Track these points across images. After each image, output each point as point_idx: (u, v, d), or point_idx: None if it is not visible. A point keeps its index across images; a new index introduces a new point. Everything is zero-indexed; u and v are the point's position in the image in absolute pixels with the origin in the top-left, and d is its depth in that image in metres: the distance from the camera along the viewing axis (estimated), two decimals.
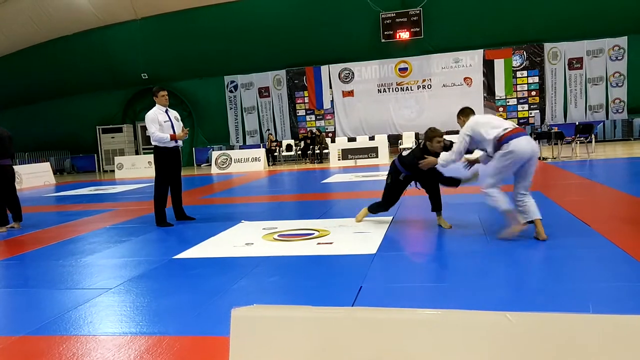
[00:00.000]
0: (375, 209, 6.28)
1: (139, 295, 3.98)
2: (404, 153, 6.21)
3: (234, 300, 3.68)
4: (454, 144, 5.37)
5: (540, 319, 1.27)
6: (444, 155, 5.49)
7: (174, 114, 7.24)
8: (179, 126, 7.17)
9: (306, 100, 21.67)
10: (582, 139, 14.18)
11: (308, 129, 21.35)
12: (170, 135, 7.00)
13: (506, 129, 4.97)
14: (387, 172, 6.26)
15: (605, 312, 1.32)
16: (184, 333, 3.14)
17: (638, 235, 4.95)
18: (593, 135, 14.55)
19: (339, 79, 21.14)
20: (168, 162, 7.09)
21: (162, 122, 7.00)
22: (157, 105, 7.13)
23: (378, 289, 3.81)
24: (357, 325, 1.37)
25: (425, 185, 6.02)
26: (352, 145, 17.95)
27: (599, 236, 4.84)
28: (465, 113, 5.36)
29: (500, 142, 4.95)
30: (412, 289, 3.87)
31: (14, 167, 7.94)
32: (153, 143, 7.08)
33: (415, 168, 5.70)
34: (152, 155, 7.22)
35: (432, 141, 5.64)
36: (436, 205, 5.99)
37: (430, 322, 1.33)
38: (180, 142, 7.24)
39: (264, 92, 21.96)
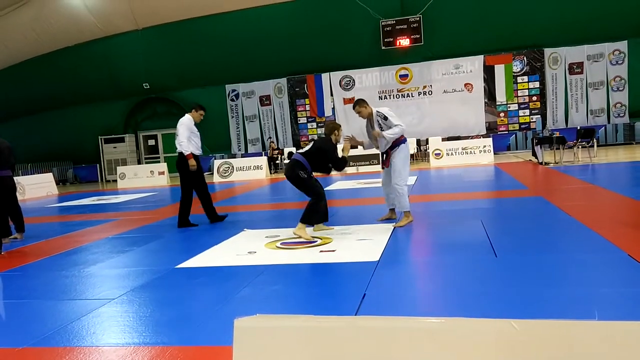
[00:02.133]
0: (315, 212, 5.97)
1: (142, 305, 3.97)
2: (304, 149, 6.21)
3: (237, 310, 3.67)
4: (396, 123, 6.50)
5: (545, 326, 1.26)
6: (391, 131, 6.45)
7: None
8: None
9: (307, 107, 21.71)
10: (584, 143, 14.16)
11: (309, 136, 21.38)
12: (187, 156, 7.51)
13: None
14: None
15: (611, 319, 1.31)
16: (187, 343, 3.13)
17: None
18: (595, 140, 14.53)
19: (340, 86, 21.18)
20: (198, 168, 7.66)
21: (194, 132, 7.66)
22: (190, 116, 7.70)
23: (382, 297, 3.80)
24: (361, 334, 1.36)
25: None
26: (353, 152, 17.91)
27: (603, 240, 4.82)
28: (366, 102, 6.63)
29: (401, 140, 6.58)
30: (415, 297, 3.85)
31: (14, 178, 7.94)
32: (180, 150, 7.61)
33: (322, 167, 6.18)
34: (176, 161, 7.72)
35: (338, 131, 6.26)
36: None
37: (435, 330, 1.33)
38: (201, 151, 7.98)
39: (265, 100, 22.01)
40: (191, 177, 7.63)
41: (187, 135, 7.51)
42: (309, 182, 6.03)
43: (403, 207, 6.47)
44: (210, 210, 7.88)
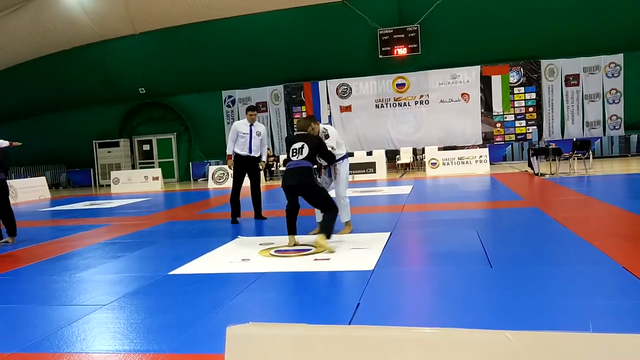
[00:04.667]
0: (332, 222, 5.76)
1: (133, 312, 3.93)
2: (304, 154, 5.87)
3: (229, 317, 3.64)
4: (330, 145, 6.35)
5: (539, 338, 1.25)
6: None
7: (257, 128, 8.39)
8: (256, 140, 8.35)
9: (304, 115, 21.72)
10: (579, 155, 14.22)
11: None
12: (228, 155, 8.44)
13: None
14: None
15: (606, 331, 1.30)
16: (178, 351, 3.09)
17: (638, 252, 4.92)
18: (590, 152, 14.59)
19: (337, 94, 21.22)
20: (241, 167, 8.34)
21: (240, 132, 8.30)
22: (245, 119, 8.47)
23: (376, 306, 3.77)
24: (355, 344, 1.35)
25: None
26: (349, 160, 17.93)
27: (598, 252, 4.81)
28: (316, 120, 6.45)
29: (344, 155, 6.69)
30: (410, 307, 3.83)
31: (7, 181, 7.89)
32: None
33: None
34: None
35: (314, 123, 6.23)
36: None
37: (429, 340, 1.31)
38: (254, 153, 8.38)
39: (261, 107, 22.00)
40: (236, 176, 8.41)
41: (231, 136, 8.38)
42: (325, 192, 5.94)
43: (347, 218, 6.76)
44: (256, 207, 8.55)
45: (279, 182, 17.94)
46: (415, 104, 20.55)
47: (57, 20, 20.70)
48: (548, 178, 12.77)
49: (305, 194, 5.86)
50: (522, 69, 19.69)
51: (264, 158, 8.63)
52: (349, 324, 3.32)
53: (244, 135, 8.30)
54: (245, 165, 8.38)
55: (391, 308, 3.76)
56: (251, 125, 8.38)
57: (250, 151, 8.34)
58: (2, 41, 21.55)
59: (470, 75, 20.01)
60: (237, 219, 8.34)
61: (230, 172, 8.98)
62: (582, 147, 14.35)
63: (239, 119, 22.18)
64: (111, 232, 8.34)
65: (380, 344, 1.32)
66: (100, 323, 3.74)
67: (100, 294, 4.54)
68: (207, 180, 18.92)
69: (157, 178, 18.89)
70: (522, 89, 19.81)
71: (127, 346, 3.22)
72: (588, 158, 14.30)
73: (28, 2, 20.24)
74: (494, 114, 20.08)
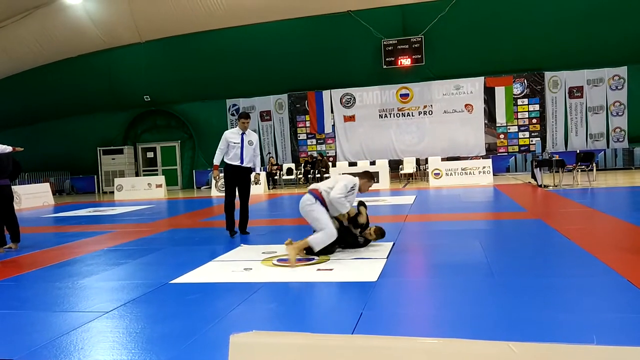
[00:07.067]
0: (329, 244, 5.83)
1: (133, 321, 3.91)
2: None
3: (230, 328, 3.62)
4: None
5: (543, 350, 1.25)
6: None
7: (249, 137, 7.92)
8: (249, 149, 7.87)
9: (307, 124, 21.79)
10: (583, 167, 14.20)
11: (309, 153, 21.43)
12: (214, 166, 7.99)
13: None
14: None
15: (610, 344, 1.29)
16: None
17: None
18: (594, 164, 14.56)
19: (341, 103, 21.28)
20: (230, 176, 7.89)
21: (231, 142, 7.84)
22: (237, 127, 7.99)
23: (379, 316, 3.76)
24: (357, 353, 1.34)
25: None
26: (353, 169, 17.94)
27: (602, 265, 4.79)
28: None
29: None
30: (413, 317, 3.81)
31: (12, 187, 7.91)
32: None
33: None
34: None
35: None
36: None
37: (432, 351, 1.31)
38: (247, 164, 7.87)
39: (265, 115, 22.09)
40: (228, 187, 7.96)
41: (220, 146, 7.88)
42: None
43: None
44: (241, 221, 8.00)
45: (282, 191, 18.03)
46: (419, 114, 20.59)
47: (63, 28, 20.84)
48: (551, 190, 12.74)
49: None
50: (525, 81, 19.72)
51: (257, 170, 8.11)
52: (352, 334, 3.30)
53: (234, 144, 7.82)
54: (236, 176, 7.89)
55: (394, 318, 3.74)
56: (243, 133, 7.88)
57: (242, 161, 7.83)
58: (8, 48, 21.69)
59: (473, 86, 20.06)
60: (233, 230, 7.92)
61: (214, 182, 8.72)
62: (586, 159, 14.33)
63: None
64: (114, 239, 8.34)
65: (383, 354, 1.32)
66: (100, 331, 3.72)
67: (102, 301, 4.53)
68: (210, 188, 18.95)
69: (160, 185, 18.93)
70: (525, 101, 19.84)
71: (124, 356, 3.19)
72: (591, 170, 14.27)
73: (35, 10, 20.38)
74: (497, 125, 20.10)
